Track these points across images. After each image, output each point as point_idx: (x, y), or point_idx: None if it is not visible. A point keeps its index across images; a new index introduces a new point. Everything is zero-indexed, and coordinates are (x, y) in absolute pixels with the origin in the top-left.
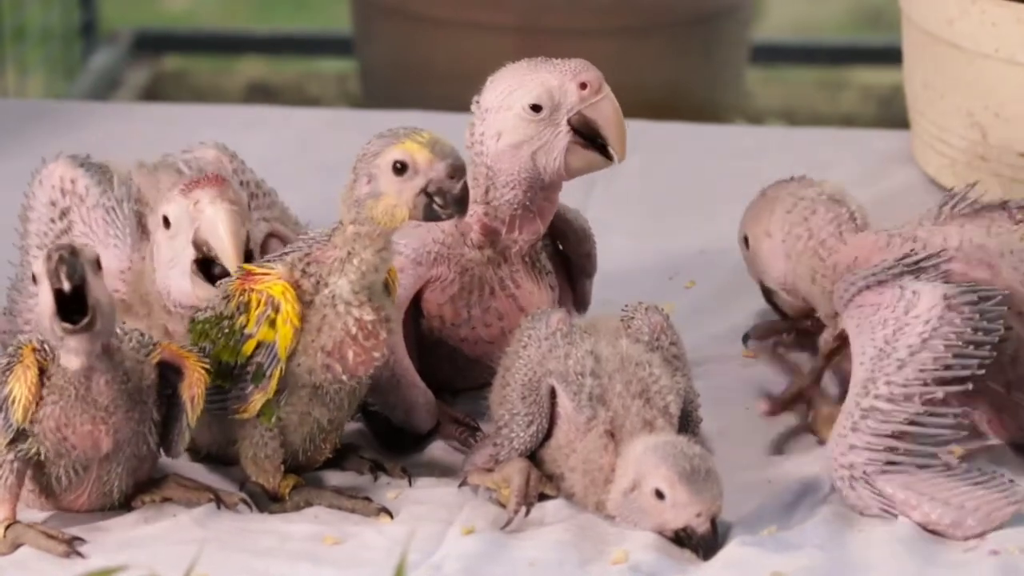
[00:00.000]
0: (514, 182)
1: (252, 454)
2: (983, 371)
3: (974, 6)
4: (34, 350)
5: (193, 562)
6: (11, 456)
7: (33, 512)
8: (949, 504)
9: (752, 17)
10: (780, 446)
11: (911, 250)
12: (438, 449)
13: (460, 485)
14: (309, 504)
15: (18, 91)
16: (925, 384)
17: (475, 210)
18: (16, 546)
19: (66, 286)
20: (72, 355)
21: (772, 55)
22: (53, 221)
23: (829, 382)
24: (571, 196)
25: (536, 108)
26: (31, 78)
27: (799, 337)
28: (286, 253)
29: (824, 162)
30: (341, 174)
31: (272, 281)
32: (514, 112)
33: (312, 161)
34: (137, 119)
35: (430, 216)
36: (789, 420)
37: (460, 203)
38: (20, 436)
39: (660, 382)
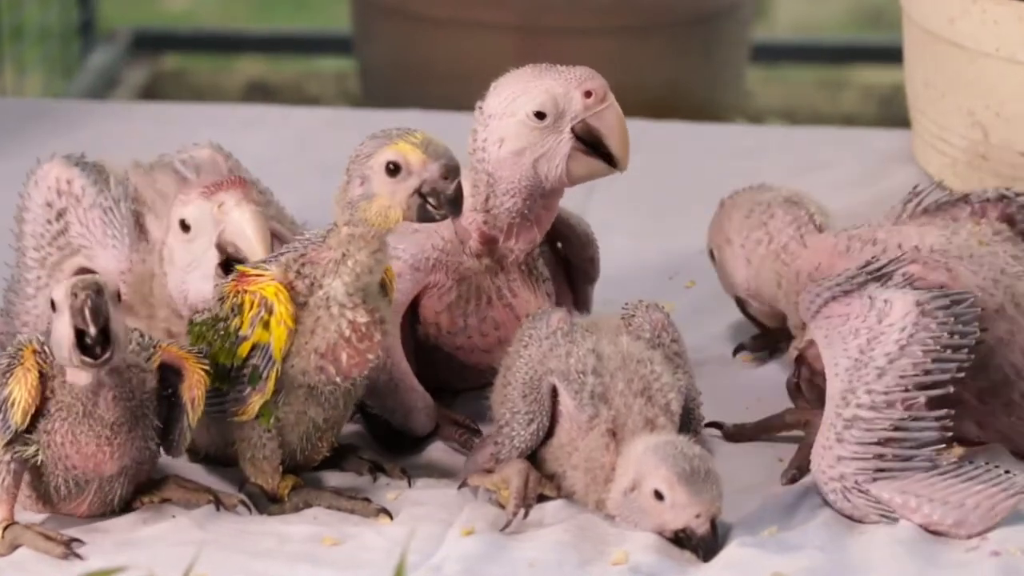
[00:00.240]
0: (514, 190)
1: (251, 455)
2: (963, 374)
3: (975, 5)
4: (34, 352)
5: (192, 563)
6: (8, 458)
7: (32, 512)
8: (949, 503)
9: (752, 16)
10: (779, 449)
11: (873, 256)
12: (437, 450)
13: (460, 486)
14: (308, 505)
15: (16, 90)
16: (906, 390)
17: (475, 218)
18: (14, 547)
19: (92, 331)
20: (81, 373)
21: (772, 55)
22: (50, 222)
23: None
24: (571, 196)
25: (540, 115)
26: (29, 77)
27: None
28: (281, 253)
29: (824, 162)
30: (340, 174)
31: (265, 282)
32: (518, 119)
33: (311, 160)
34: (136, 118)
35: (424, 217)
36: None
37: (454, 203)
38: (18, 438)
39: (661, 379)
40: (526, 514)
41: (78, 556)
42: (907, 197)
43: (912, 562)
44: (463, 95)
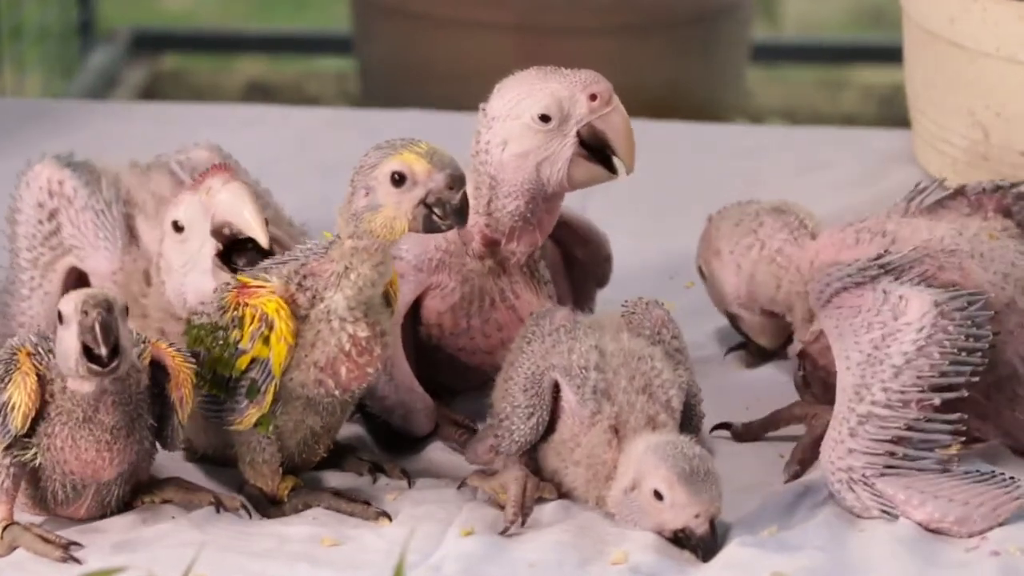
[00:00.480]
0: (517, 192)
1: (250, 459)
2: (976, 378)
3: (975, 5)
4: (29, 355)
5: (191, 564)
6: (8, 461)
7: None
8: (953, 501)
9: (751, 16)
10: (780, 446)
11: (885, 249)
12: (437, 450)
13: (459, 486)
14: (308, 506)
15: (16, 90)
16: (922, 391)
17: (477, 220)
18: (12, 548)
19: (102, 351)
20: (85, 382)
21: (772, 55)
22: (41, 223)
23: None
24: (572, 197)
25: (545, 118)
26: (29, 77)
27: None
28: (282, 263)
29: (824, 162)
30: (340, 174)
31: (266, 297)
32: (522, 121)
33: (311, 160)
34: (135, 118)
35: (430, 227)
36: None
37: (460, 214)
38: (17, 442)
39: (662, 376)
40: (523, 522)
41: (76, 560)
42: (910, 195)
43: (912, 561)
44: (463, 95)
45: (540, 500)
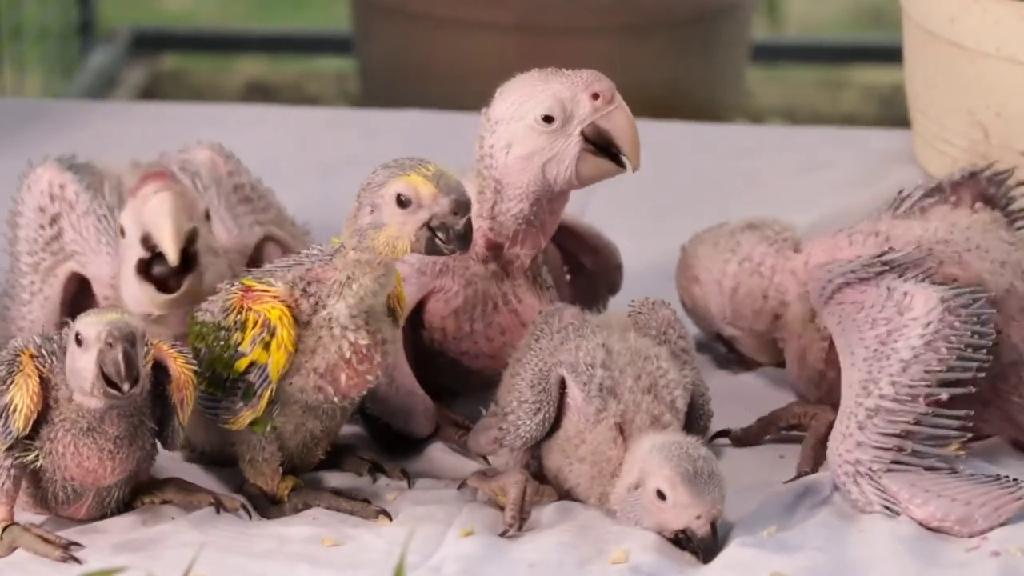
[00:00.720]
0: (522, 195)
1: (250, 458)
2: (983, 374)
3: (975, 4)
4: (32, 357)
5: (191, 564)
6: (9, 463)
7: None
8: (955, 501)
9: (751, 16)
10: (780, 447)
11: (888, 247)
12: (437, 451)
13: (459, 486)
14: (308, 506)
15: (16, 90)
16: (930, 385)
17: (480, 224)
18: (12, 548)
19: (125, 388)
20: (95, 400)
21: (772, 54)
22: (43, 227)
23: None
24: (572, 196)
25: (548, 119)
26: (29, 77)
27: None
28: (288, 267)
29: (824, 162)
30: (340, 174)
31: (270, 302)
32: (525, 123)
33: (311, 160)
34: (135, 118)
35: (431, 250)
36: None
37: (463, 239)
38: (18, 443)
39: (668, 376)
40: (520, 527)
41: (76, 560)
42: (893, 202)
43: (912, 561)
44: (463, 95)
45: (539, 504)
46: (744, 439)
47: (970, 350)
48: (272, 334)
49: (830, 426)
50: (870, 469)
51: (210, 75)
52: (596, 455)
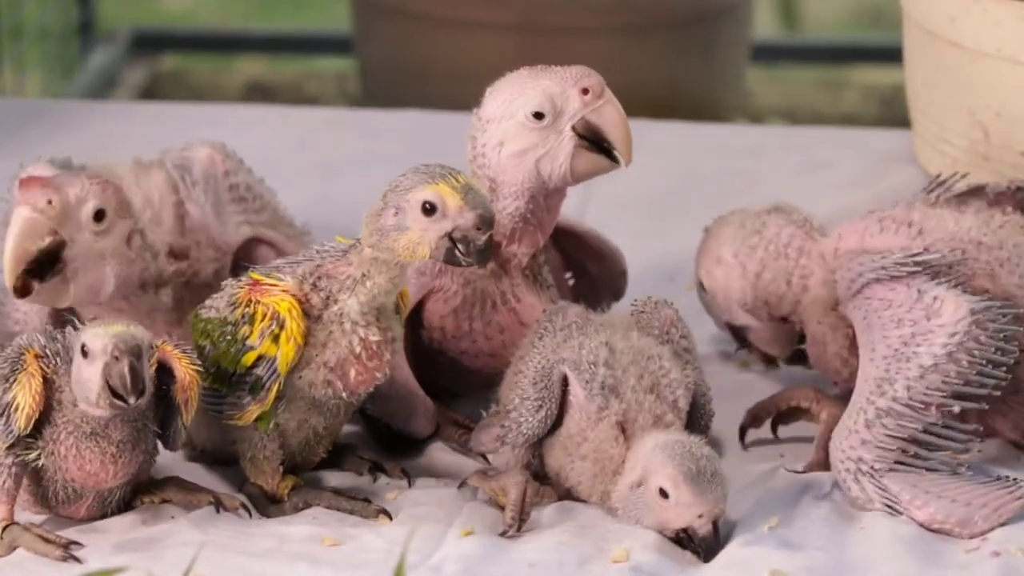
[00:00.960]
0: (518, 192)
1: (251, 455)
2: (999, 392)
3: (975, 4)
4: (36, 356)
5: (191, 564)
6: (9, 461)
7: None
8: (956, 502)
9: (752, 16)
10: (781, 447)
11: (924, 248)
12: (438, 450)
13: (460, 485)
14: (308, 505)
15: (16, 90)
16: (945, 396)
17: None
18: (13, 548)
19: (131, 400)
20: (100, 410)
21: (773, 54)
22: None
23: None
24: (571, 196)
25: (538, 115)
26: (29, 77)
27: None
28: (296, 263)
29: (824, 162)
30: (340, 174)
31: (279, 296)
32: (516, 120)
33: (311, 160)
34: (135, 118)
35: (450, 260)
36: (789, 423)
37: (482, 254)
38: (19, 442)
39: (670, 376)
40: (521, 527)
41: (76, 559)
42: (930, 186)
43: (913, 561)
44: (463, 95)
45: (539, 505)
46: (752, 421)
47: (990, 366)
48: (281, 327)
49: None
50: (872, 468)
51: (210, 75)
52: (598, 453)
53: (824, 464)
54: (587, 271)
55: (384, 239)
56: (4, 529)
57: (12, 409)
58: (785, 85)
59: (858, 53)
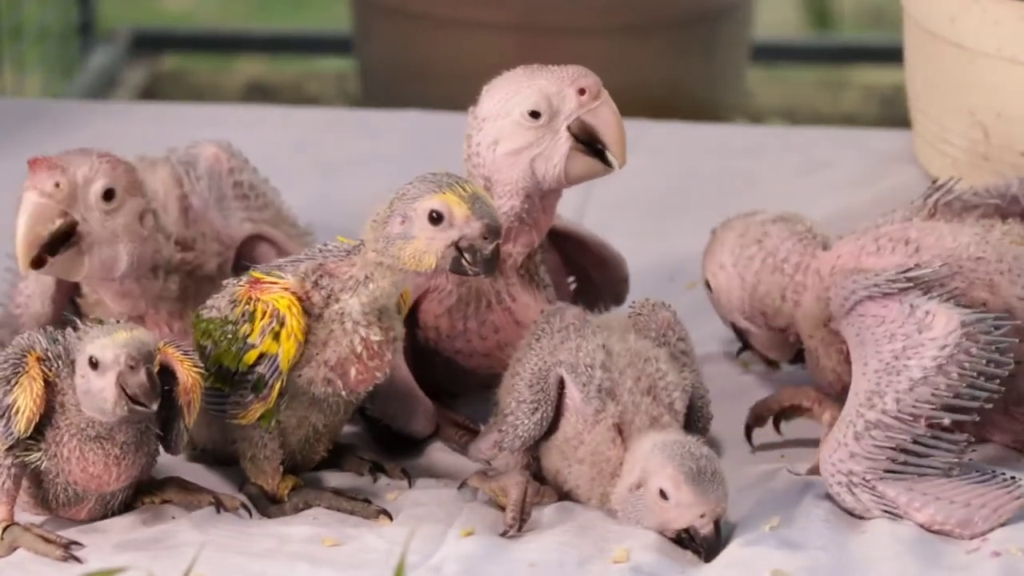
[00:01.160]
0: (512, 191)
1: (251, 454)
2: (990, 405)
3: (976, 4)
4: (39, 359)
5: (191, 564)
6: (9, 462)
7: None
8: (955, 503)
9: (751, 16)
10: (781, 446)
11: (915, 263)
12: (437, 451)
13: (460, 486)
14: (308, 505)
15: (16, 90)
16: (934, 408)
17: None
18: (13, 548)
19: (153, 407)
20: (113, 417)
21: (772, 54)
22: None
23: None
24: (571, 196)
25: (535, 114)
26: (29, 77)
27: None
28: (298, 261)
29: (824, 162)
30: (340, 174)
31: (279, 293)
32: (512, 119)
33: (311, 160)
34: (135, 118)
35: (457, 269)
36: (790, 420)
37: (489, 264)
38: (19, 443)
39: (667, 378)
40: (521, 527)
41: (77, 559)
42: (927, 192)
43: (913, 561)
44: (463, 95)
45: (540, 505)
46: (756, 412)
47: (982, 378)
48: (282, 324)
49: None
50: (864, 479)
51: (210, 75)
52: (595, 456)
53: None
54: (589, 277)
55: (390, 247)
56: (4, 530)
57: (13, 412)
58: (785, 85)
59: (858, 53)
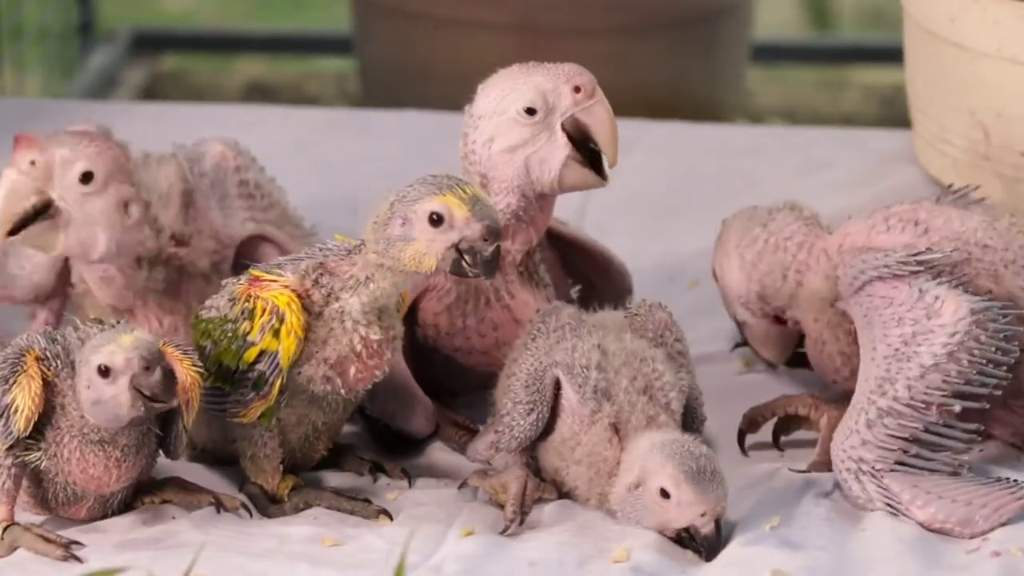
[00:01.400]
0: (508, 188)
1: (251, 454)
2: (999, 392)
3: (976, 4)
4: (38, 359)
5: (191, 564)
6: (9, 462)
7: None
8: (956, 502)
9: (751, 16)
10: (782, 445)
11: (926, 247)
12: (437, 450)
13: (460, 486)
14: (308, 505)
15: (16, 90)
16: (945, 395)
17: None
18: (13, 548)
19: (174, 403)
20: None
21: (772, 54)
22: None
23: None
24: (571, 196)
25: (530, 111)
26: (29, 77)
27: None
28: (299, 260)
29: (824, 162)
30: (340, 174)
31: (278, 290)
32: (508, 116)
33: (311, 160)
34: (135, 118)
35: (457, 271)
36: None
37: (489, 265)
38: (19, 443)
39: (663, 378)
40: (522, 521)
41: (77, 559)
42: (941, 194)
43: (913, 562)
44: (463, 95)
45: (540, 500)
46: (749, 425)
47: (991, 366)
48: (281, 321)
49: None
50: (873, 468)
51: (210, 75)
52: (592, 456)
53: (826, 465)
54: (593, 285)
55: (390, 248)
56: (4, 530)
57: (12, 411)
58: (785, 85)
59: (858, 53)
